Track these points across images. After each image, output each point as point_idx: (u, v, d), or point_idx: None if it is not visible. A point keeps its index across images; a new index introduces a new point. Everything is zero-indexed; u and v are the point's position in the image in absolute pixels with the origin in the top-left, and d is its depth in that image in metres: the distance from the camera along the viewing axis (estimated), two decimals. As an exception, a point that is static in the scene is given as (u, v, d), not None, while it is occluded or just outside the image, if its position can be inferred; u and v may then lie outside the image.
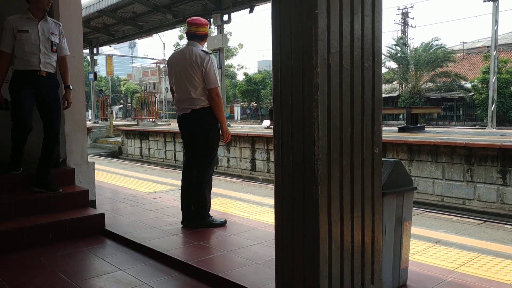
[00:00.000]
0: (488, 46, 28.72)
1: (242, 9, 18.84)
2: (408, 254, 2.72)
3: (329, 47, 1.93)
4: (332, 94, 1.96)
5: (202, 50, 3.90)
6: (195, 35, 3.96)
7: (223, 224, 4.04)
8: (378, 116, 2.18)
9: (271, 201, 2.07)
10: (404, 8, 42.62)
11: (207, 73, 3.79)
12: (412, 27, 44.39)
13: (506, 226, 4.43)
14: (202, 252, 3.34)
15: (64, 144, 4.51)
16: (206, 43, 4.05)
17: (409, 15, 42.91)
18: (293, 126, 2.04)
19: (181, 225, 4.01)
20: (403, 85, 32.65)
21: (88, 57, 28.95)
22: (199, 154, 3.96)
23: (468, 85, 29.01)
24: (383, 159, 2.32)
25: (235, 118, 44.69)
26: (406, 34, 41.91)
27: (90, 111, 35.77)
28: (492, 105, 20.23)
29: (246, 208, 4.85)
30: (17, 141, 4.06)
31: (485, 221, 4.93)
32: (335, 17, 1.95)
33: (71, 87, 4.19)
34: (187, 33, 4.02)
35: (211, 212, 4.10)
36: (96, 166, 4.86)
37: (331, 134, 1.97)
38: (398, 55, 32.08)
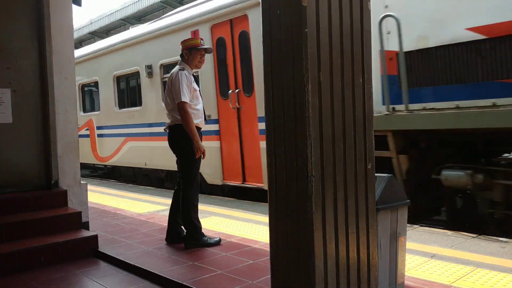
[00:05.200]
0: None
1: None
2: (404, 269, 2.71)
3: (320, 64, 1.96)
4: (323, 111, 1.98)
5: (179, 66, 4.00)
6: (180, 55, 4.11)
7: (218, 243, 4.01)
8: (370, 132, 2.19)
9: (266, 219, 2.07)
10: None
11: (173, 87, 3.88)
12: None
13: (501, 238, 4.44)
14: (197, 272, 3.30)
15: (56, 165, 4.49)
16: (195, 64, 4.06)
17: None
18: (285, 143, 2.04)
19: (175, 244, 3.98)
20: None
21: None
22: (180, 170, 4.01)
23: None
24: (376, 174, 2.33)
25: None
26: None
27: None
28: None
29: (241, 226, 4.82)
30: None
31: (480, 234, 4.93)
32: (325, 36, 1.98)
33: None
34: None
35: (205, 231, 4.08)
36: (89, 187, 4.82)
37: (324, 150, 1.98)
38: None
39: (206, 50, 4.10)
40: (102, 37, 21.76)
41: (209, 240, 4.00)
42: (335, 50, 2.02)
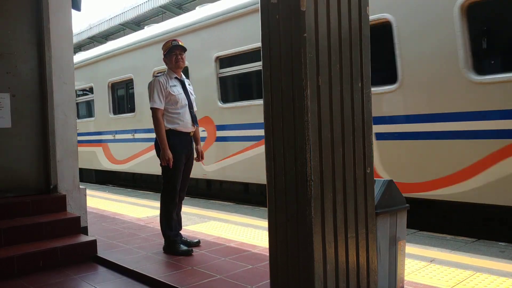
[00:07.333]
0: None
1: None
2: (403, 273, 2.71)
3: (319, 69, 1.97)
4: (322, 115, 1.99)
5: (160, 74, 4.06)
6: None
7: (188, 252, 3.88)
8: (368, 136, 2.20)
9: (265, 223, 2.08)
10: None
11: (148, 94, 3.93)
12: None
13: (500, 243, 4.44)
14: (196, 277, 3.30)
15: (55, 170, 4.48)
16: (174, 65, 3.98)
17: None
18: (284, 147, 2.05)
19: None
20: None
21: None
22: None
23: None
24: (375, 178, 2.33)
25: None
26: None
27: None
28: None
29: (240, 231, 4.82)
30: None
31: (479, 239, 4.93)
32: (324, 41, 1.99)
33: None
34: None
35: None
36: (88, 191, 4.82)
37: (323, 154, 1.98)
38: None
39: (179, 48, 3.98)
40: (101, 42, 21.80)
41: (181, 248, 3.91)
42: (334, 55, 2.03)
